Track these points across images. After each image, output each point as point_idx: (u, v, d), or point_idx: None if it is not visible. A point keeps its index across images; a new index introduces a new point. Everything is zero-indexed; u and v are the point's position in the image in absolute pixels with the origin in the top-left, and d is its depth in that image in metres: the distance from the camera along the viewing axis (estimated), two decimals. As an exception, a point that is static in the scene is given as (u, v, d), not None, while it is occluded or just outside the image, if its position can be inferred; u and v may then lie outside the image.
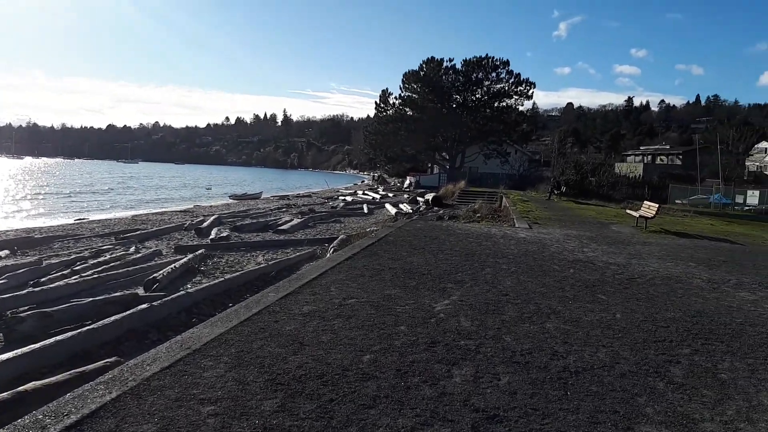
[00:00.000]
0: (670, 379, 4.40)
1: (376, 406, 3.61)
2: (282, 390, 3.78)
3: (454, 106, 61.82)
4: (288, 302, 5.98)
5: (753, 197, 44.10)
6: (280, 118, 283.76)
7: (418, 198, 40.76)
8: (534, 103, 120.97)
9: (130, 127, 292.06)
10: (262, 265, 12.48)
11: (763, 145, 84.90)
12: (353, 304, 6.04)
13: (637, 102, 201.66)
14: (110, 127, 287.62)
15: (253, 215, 26.59)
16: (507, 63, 60.37)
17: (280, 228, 20.70)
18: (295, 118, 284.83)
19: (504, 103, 61.35)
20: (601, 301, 6.93)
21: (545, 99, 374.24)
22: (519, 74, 60.54)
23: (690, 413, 3.80)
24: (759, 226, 24.28)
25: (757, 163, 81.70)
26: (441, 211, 27.78)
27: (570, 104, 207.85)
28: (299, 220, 23.28)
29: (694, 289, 7.99)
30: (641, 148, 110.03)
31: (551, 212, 22.05)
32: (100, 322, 7.37)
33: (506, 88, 60.77)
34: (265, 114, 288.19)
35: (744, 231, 19.68)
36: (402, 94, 61.05)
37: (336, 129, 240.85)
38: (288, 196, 49.18)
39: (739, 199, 44.72)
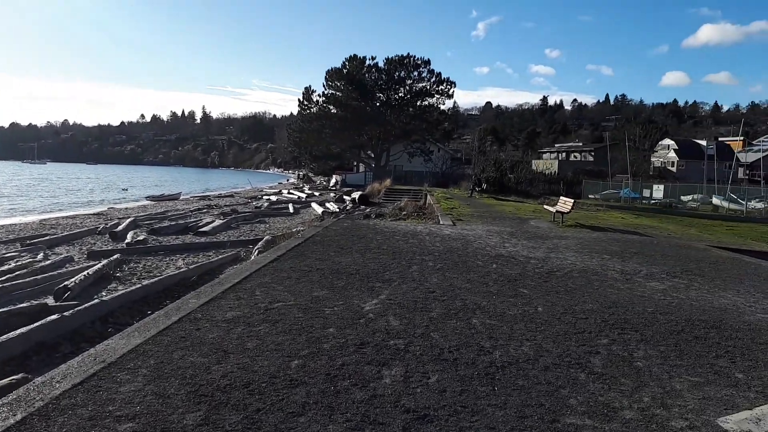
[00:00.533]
0: (590, 370, 4.57)
1: (305, 414, 3.52)
2: (206, 402, 3.62)
3: (378, 104, 62.17)
4: (211, 308, 5.75)
5: (658, 191, 47.05)
6: (199, 116, 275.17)
7: (345, 197, 40.71)
8: (455, 102, 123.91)
9: (36, 125, 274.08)
10: (182, 270, 12.01)
11: (666, 142, 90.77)
12: (280, 307, 5.90)
13: (551, 101, 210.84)
14: (13, 125, 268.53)
15: (172, 217, 25.59)
16: (428, 62, 61.35)
17: (201, 230, 20.02)
18: (215, 115, 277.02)
19: (426, 102, 62.31)
20: (523, 295, 7.13)
21: (465, 98, 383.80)
22: (440, 73, 61.71)
23: (610, 402, 3.95)
24: (664, 219, 25.92)
25: (661, 159, 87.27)
26: (368, 210, 27.88)
27: (489, 103, 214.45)
28: (221, 222, 22.63)
29: (609, 280, 8.38)
30: (556, 145, 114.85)
31: (473, 209, 22.58)
32: (4, 336, 6.82)
33: (428, 86, 61.74)
34: (183, 111, 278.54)
35: (651, 223, 20.94)
36: (326, 92, 60.73)
37: (258, 126, 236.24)
38: (209, 196, 47.76)
39: (646, 193, 47.58)
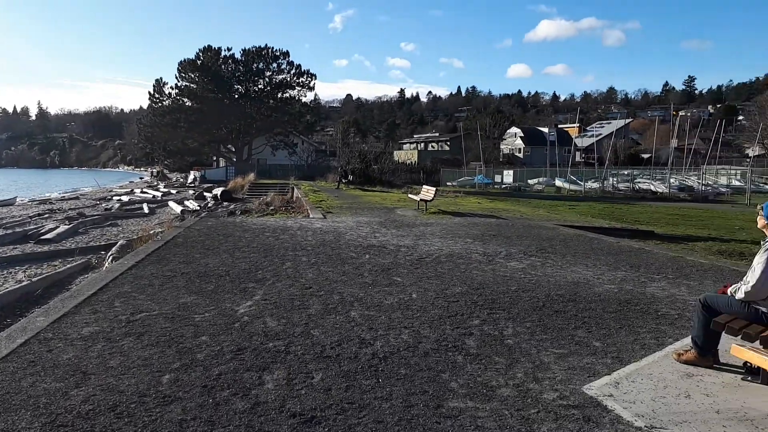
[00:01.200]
0: (467, 351, 4.73)
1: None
2: (65, 433, 3.22)
3: (237, 96, 60.22)
4: (63, 325, 5.17)
5: (508, 176, 50.59)
6: (34, 112, 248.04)
7: (206, 193, 38.98)
8: (316, 95, 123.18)
9: None
10: (24, 283, 10.72)
11: (513, 130, 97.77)
12: (143, 318, 5.45)
13: (408, 93, 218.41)
14: None
15: (7, 225, 22.82)
16: (287, 54, 60.54)
17: (43, 237, 18.05)
18: (53, 111, 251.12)
19: (287, 94, 61.52)
20: (397, 283, 7.24)
21: (326, 90, 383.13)
22: (300, 65, 61.21)
23: (488, 381, 4.11)
24: (516, 202, 27.88)
25: (510, 146, 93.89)
26: (232, 206, 26.89)
27: (349, 95, 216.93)
28: (67, 227, 20.58)
29: (473, 263, 8.79)
30: (415, 136, 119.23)
31: (342, 200, 22.69)
32: None
33: (288, 78, 60.96)
34: (15, 107, 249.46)
35: (505, 207, 22.41)
36: (179, 84, 57.68)
37: (104, 122, 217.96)
38: (51, 199, 43.26)
39: (498, 178, 50.95)
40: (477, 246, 10.56)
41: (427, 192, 18.72)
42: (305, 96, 63.46)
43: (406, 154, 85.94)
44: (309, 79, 61.40)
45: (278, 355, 4.52)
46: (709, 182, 41.96)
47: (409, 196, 22.69)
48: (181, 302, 6.06)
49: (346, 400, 3.73)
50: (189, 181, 61.90)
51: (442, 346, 4.85)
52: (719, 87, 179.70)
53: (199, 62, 57.67)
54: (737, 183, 42.93)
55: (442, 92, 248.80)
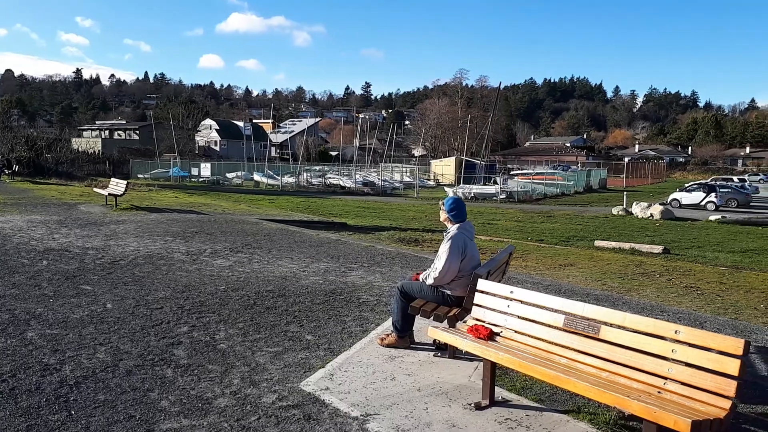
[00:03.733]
0: (176, 363, 4.34)
1: None
2: None
3: None
4: None
5: (206, 169, 49.26)
6: None
7: None
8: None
9: None
10: None
11: (208, 122, 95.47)
12: None
13: (86, 74, 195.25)
14: None
15: None
16: None
17: None
18: None
19: None
20: (87, 292, 6.32)
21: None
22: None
23: (203, 393, 3.82)
24: (215, 196, 27.29)
25: (205, 138, 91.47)
26: None
27: (9, 71, 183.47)
28: None
29: (176, 263, 8.22)
30: (97, 122, 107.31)
31: (6, 195, 19.00)
32: None
33: None
34: None
35: (204, 201, 21.71)
36: None
37: None
38: None
39: (195, 171, 49.19)
40: (179, 244, 9.92)
41: (117, 185, 16.92)
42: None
43: (88, 142, 76.66)
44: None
45: None
46: (387, 178, 47.57)
47: (95, 190, 20.21)
48: None
49: (27, 446, 3.04)
50: None
51: (148, 361, 4.36)
52: (390, 94, 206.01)
53: None
54: (407, 179, 49.63)
55: (128, 77, 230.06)
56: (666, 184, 57.71)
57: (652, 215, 22.96)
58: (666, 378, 2.82)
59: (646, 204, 24.31)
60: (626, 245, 13.90)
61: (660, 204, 25.22)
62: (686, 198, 30.45)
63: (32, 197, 18.89)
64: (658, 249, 13.26)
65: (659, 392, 2.81)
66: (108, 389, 3.82)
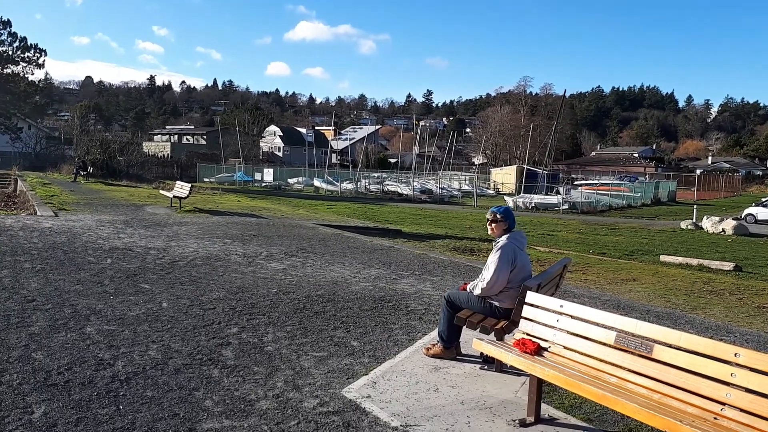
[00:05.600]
0: (223, 364, 4.41)
1: None
2: None
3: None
4: None
5: (268, 174, 50.46)
6: None
7: None
8: (47, 74, 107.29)
9: None
10: None
11: (272, 128, 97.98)
12: None
13: (159, 81, 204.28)
14: None
15: None
16: (8, 23, 51.62)
17: None
18: None
19: (10, 70, 52.44)
20: (145, 291, 6.53)
21: (61, 70, 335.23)
22: (26, 38, 52.64)
23: (246, 395, 3.86)
24: (276, 200, 27.88)
25: (269, 145, 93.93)
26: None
27: (89, 78, 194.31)
28: None
29: (232, 265, 8.41)
30: (167, 127, 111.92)
31: (79, 196, 20.05)
32: None
33: (10, 52, 52.02)
34: None
35: (265, 205, 22.20)
36: None
37: None
38: None
39: (258, 176, 50.49)
40: (236, 246, 10.16)
41: (182, 188, 17.55)
42: (33, 74, 54.84)
43: (158, 146, 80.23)
44: (37, 54, 53.21)
45: (-17, 390, 3.64)
46: (445, 186, 47.32)
47: (161, 192, 21.05)
48: None
49: (75, 438, 3.14)
50: None
51: (196, 360, 4.44)
52: (452, 101, 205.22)
53: None
54: (466, 187, 49.21)
55: (198, 83, 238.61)
56: (741, 198, 54.71)
57: (723, 230, 21.78)
58: (724, 404, 2.62)
59: (717, 218, 23.09)
60: (694, 261, 13.21)
61: (733, 219, 23.90)
62: (763, 213, 28.70)
63: (103, 198, 19.86)
64: (729, 266, 12.53)
65: (715, 418, 2.61)
66: (156, 386, 3.91)
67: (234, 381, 4.09)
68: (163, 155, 60.79)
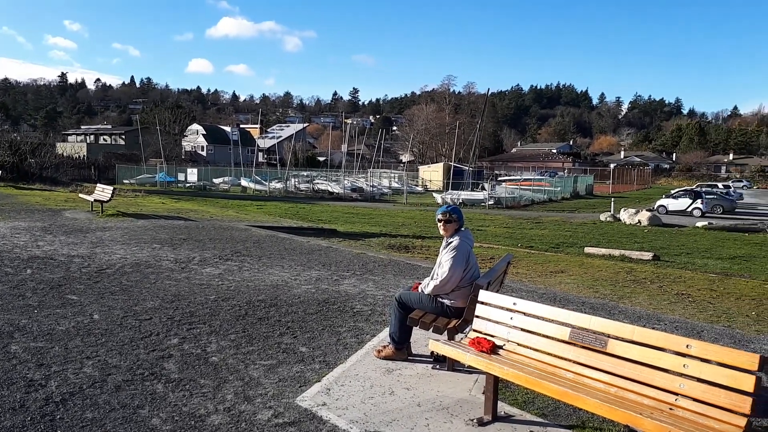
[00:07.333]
0: (167, 377, 4.20)
1: None
2: None
3: None
4: None
5: (192, 174, 48.75)
6: None
7: None
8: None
9: None
10: None
11: (195, 127, 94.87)
12: None
13: (72, 78, 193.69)
14: None
15: None
16: None
17: None
18: None
19: None
20: (73, 302, 6.14)
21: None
22: None
23: (195, 410, 3.69)
24: (203, 202, 27.00)
25: (192, 144, 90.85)
26: None
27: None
28: None
29: (165, 271, 8.05)
30: (83, 127, 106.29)
31: (-14, 201, 18.62)
32: None
33: None
34: None
35: (192, 207, 21.45)
36: None
37: None
38: None
39: (181, 176, 48.71)
40: (167, 252, 9.74)
41: (103, 191, 16.64)
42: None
43: (73, 147, 75.79)
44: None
45: None
46: (375, 184, 47.46)
47: (80, 195, 19.91)
48: None
49: (11, 470, 2.89)
50: None
51: (137, 375, 4.21)
52: (378, 100, 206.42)
53: None
54: (396, 185, 49.54)
55: (114, 81, 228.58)
56: (652, 191, 58.20)
57: (639, 221, 23.07)
58: (678, 394, 2.74)
59: (633, 210, 24.44)
60: (616, 252, 13.91)
61: (647, 210, 25.37)
62: (672, 204, 30.68)
63: (16, 203, 18.53)
64: (647, 256, 13.28)
65: (671, 409, 2.73)
66: (96, 406, 3.67)
67: (181, 395, 3.90)
68: (79, 156, 57.41)
